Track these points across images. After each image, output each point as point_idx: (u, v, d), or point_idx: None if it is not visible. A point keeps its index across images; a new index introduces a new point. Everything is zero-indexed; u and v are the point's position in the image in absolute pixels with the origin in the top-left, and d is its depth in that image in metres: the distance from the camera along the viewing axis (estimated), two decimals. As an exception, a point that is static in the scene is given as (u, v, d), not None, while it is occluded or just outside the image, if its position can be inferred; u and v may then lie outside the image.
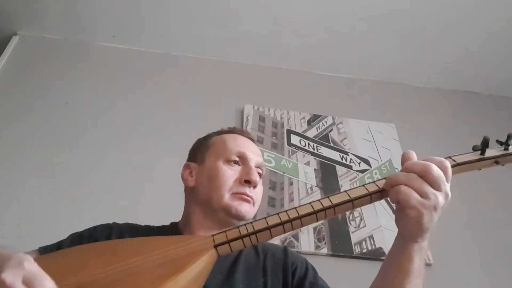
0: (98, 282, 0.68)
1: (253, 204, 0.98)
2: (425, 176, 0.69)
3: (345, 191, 0.72)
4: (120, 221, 1.04)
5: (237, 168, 0.99)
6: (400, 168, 0.74)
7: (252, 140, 1.09)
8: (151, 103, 2.26)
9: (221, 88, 2.38)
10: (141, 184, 1.91)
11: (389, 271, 0.76)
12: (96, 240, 0.94)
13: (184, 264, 0.69)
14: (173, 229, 1.03)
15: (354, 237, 1.85)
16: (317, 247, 1.79)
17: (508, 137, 0.75)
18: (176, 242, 0.74)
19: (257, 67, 2.53)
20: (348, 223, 1.90)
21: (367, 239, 1.84)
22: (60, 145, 2.02)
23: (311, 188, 2.01)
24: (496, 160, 0.75)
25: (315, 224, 1.85)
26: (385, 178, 0.73)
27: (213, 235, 0.74)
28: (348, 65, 2.55)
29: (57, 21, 2.43)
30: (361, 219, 1.91)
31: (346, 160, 2.16)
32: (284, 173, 2.04)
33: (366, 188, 0.72)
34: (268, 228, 0.72)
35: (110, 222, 1.02)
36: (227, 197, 0.95)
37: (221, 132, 1.10)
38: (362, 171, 2.12)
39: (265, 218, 0.73)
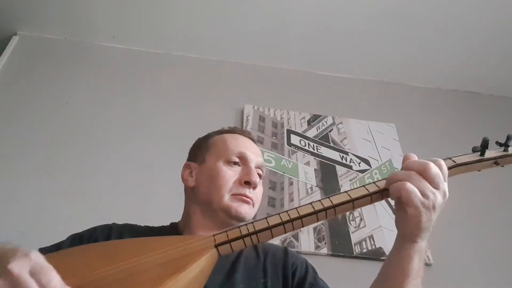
0: (99, 282, 0.68)
1: (253, 205, 0.98)
2: (424, 174, 0.70)
3: (346, 192, 0.73)
4: (120, 221, 1.04)
5: (237, 169, 0.99)
6: (400, 168, 0.74)
7: (253, 140, 1.09)
8: (151, 103, 2.26)
9: (221, 88, 2.38)
10: (141, 184, 1.91)
11: (389, 271, 0.76)
12: (96, 241, 0.94)
13: (184, 264, 0.69)
14: (173, 230, 1.03)
15: (354, 237, 1.85)
16: (317, 247, 1.79)
17: (508, 138, 0.75)
18: (177, 242, 0.74)
19: (257, 67, 2.53)
20: (348, 223, 1.90)
21: (367, 239, 1.84)
22: (60, 145, 2.02)
23: (311, 188, 2.01)
24: (495, 161, 0.76)
25: (315, 224, 1.85)
26: (385, 179, 0.74)
27: (214, 235, 0.74)
28: (348, 65, 2.55)
29: (57, 21, 2.43)
30: (361, 219, 1.91)
31: (346, 160, 2.16)
32: (284, 173, 2.04)
33: (367, 189, 0.73)
34: (269, 228, 0.72)
35: (110, 222, 1.02)
36: (227, 198, 0.95)
37: (221, 132, 1.10)
38: (362, 171, 2.12)
39: (266, 218, 0.73)
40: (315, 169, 2.10)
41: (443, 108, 2.51)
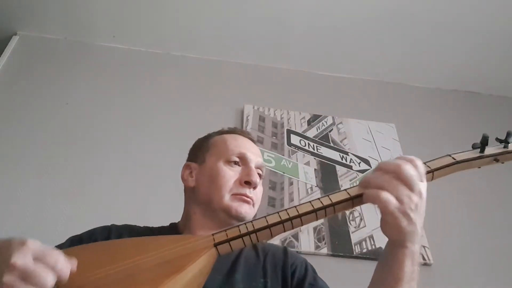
0: (98, 282, 0.68)
1: (253, 205, 0.98)
2: (399, 176, 0.68)
3: (345, 190, 0.73)
4: (120, 221, 1.04)
5: (237, 169, 0.99)
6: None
7: (253, 140, 1.09)
8: (151, 103, 2.26)
9: (221, 88, 2.38)
10: (141, 184, 1.91)
11: (381, 277, 0.75)
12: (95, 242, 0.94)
13: (184, 263, 0.69)
14: (172, 230, 1.03)
15: (354, 237, 1.85)
16: (317, 247, 1.79)
17: (508, 135, 0.75)
18: (176, 242, 0.74)
19: (257, 67, 2.53)
20: (348, 223, 1.90)
21: (367, 239, 1.84)
22: (60, 145, 2.02)
23: (311, 188, 2.01)
24: (495, 158, 0.76)
25: (315, 224, 1.84)
26: None
27: (213, 234, 0.74)
28: (348, 65, 2.55)
29: (57, 21, 2.43)
30: (361, 219, 1.91)
31: (346, 160, 2.16)
32: (284, 173, 2.04)
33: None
34: (268, 226, 0.72)
35: (110, 222, 1.02)
36: (227, 198, 0.95)
37: (221, 132, 1.10)
38: (362, 171, 2.12)
39: (265, 216, 0.73)
40: (315, 169, 2.09)
41: (443, 108, 2.51)
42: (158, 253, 0.71)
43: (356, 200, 0.72)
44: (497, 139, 0.76)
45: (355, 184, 0.75)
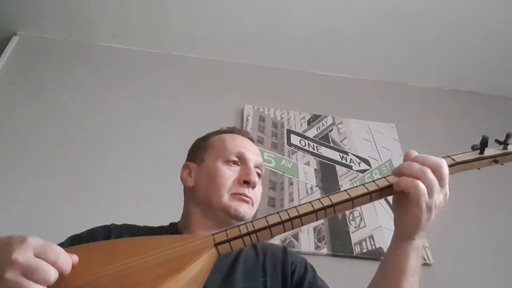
0: (98, 281, 0.67)
1: (252, 204, 0.98)
2: (436, 172, 0.70)
3: (345, 190, 0.73)
4: (120, 221, 1.03)
5: (236, 169, 0.99)
6: None
7: (252, 140, 1.09)
8: (151, 103, 2.26)
9: (221, 88, 2.38)
10: (141, 184, 1.91)
11: (386, 269, 0.77)
12: (95, 241, 0.94)
13: (184, 263, 0.69)
14: (172, 230, 1.03)
15: (354, 237, 1.85)
16: (317, 247, 1.79)
17: (507, 137, 0.75)
18: (176, 241, 0.74)
19: (257, 67, 2.53)
20: (348, 223, 1.90)
21: (367, 239, 1.84)
22: (60, 145, 2.02)
23: (311, 188, 2.01)
24: (495, 159, 0.76)
25: (315, 224, 1.85)
26: (385, 178, 0.74)
27: (213, 234, 0.74)
28: (348, 65, 2.55)
29: (57, 21, 2.43)
30: (361, 219, 1.91)
31: (346, 160, 2.16)
32: (284, 173, 2.04)
33: (366, 187, 0.73)
34: (269, 227, 0.72)
35: (110, 222, 1.02)
36: (226, 198, 0.95)
37: (220, 132, 1.10)
38: (362, 171, 2.12)
39: (265, 217, 0.73)
40: (315, 169, 2.09)
41: (443, 108, 2.51)
42: (158, 252, 0.71)
43: (356, 200, 0.72)
44: (496, 141, 0.77)
45: (355, 185, 0.75)
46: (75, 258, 0.65)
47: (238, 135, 1.07)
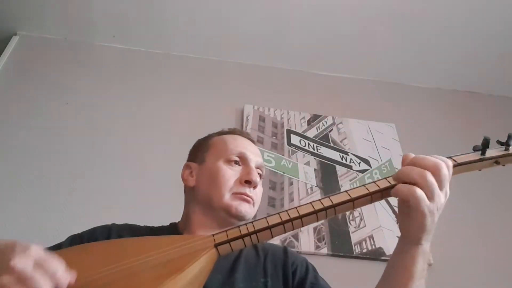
0: (98, 281, 0.67)
1: (253, 204, 0.98)
2: (436, 174, 0.69)
3: (346, 191, 0.73)
4: (120, 221, 1.04)
5: (238, 168, 1.00)
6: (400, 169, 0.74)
7: (252, 141, 1.09)
8: (151, 103, 2.26)
9: (221, 88, 2.38)
10: (141, 185, 1.91)
11: (393, 273, 0.76)
12: (96, 241, 0.94)
13: (184, 263, 0.69)
14: (172, 230, 1.03)
15: (354, 237, 1.85)
16: (317, 247, 1.79)
17: (509, 138, 0.75)
18: (176, 242, 0.74)
19: (257, 67, 2.53)
20: (348, 223, 1.90)
21: (367, 239, 1.84)
22: (60, 145, 2.02)
23: (311, 188, 2.01)
24: (496, 160, 0.75)
25: (315, 224, 1.85)
26: (385, 179, 0.73)
27: (213, 235, 0.74)
28: (348, 65, 2.55)
29: (57, 21, 2.43)
30: (361, 219, 1.91)
31: (346, 160, 2.16)
32: (284, 173, 2.04)
33: (367, 188, 0.72)
34: (269, 227, 0.72)
35: (110, 222, 1.02)
36: (227, 197, 0.95)
37: (221, 133, 1.10)
38: (362, 171, 2.12)
39: (265, 217, 0.73)
40: (315, 169, 2.09)
41: (443, 108, 2.51)
42: (158, 253, 0.71)
43: (357, 201, 0.72)
44: (498, 142, 0.76)
45: (355, 185, 0.75)
46: (73, 276, 0.64)
47: (239, 136, 1.08)
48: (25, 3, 2.32)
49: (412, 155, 0.73)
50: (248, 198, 0.96)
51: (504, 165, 0.77)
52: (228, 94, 2.35)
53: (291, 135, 2.23)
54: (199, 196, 1.00)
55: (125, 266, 0.70)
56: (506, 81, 2.58)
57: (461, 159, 0.75)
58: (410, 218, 0.70)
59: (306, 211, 0.72)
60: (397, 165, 2.12)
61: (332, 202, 0.72)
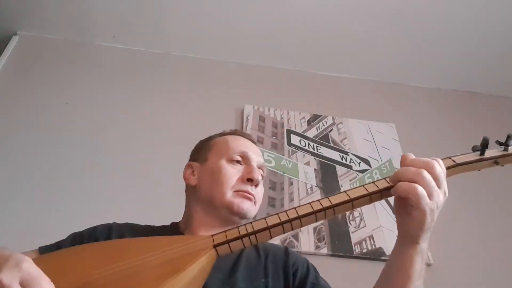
0: (98, 281, 0.68)
1: (255, 203, 0.99)
2: (430, 172, 0.69)
3: (345, 191, 0.73)
4: (121, 220, 1.04)
5: (239, 168, 1.00)
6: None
7: (253, 142, 1.10)
8: (151, 103, 2.26)
9: (221, 88, 2.38)
10: (142, 184, 1.91)
11: (391, 273, 0.76)
12: (96, 240, 0.94)
13: (183, 264, 0.69)
14: (173, 229, 1.03)
15: (354, 237, 1.85)
16: (317, 247, 1.79)
17: (508, 138, 0.75)
18: (176, 242, 0.74)
19: (257, 67, 2.53)
20: (348, 223, 1.90)
21: (367, 239, 1.84)
22: (60, 145, 2.02)
23: (311, 188, 2.01)
24: (495, 161, 0.75)
25: (315, 224, 1.85)
26: (384, 179, 0.73)
27: (212, 235, 0.74)
28: (348, 65, 2.55)
29: (57, 21, 2.43)
30: (361, 219, 1.91)
31: (346, 160, 2.16)
32: (284, 173, 2.04)
33: (366, 188, 0.72)
34: (268, 228, 0.72)
35: (110, 222, 1.02)
36: (229, 195, 0.96)
37: (223, 134, 1.11)
38: (362, 171, 2.12)
39: (264, 218, 0.73)
40: (315, 169, 2.09)
41: (443, 108, 2.51)
42: (158, 253, 0.72)
43: (356, 201, 0.72)
44: (497, 142, 0.76)
45: (355, 185, 0.75)
46: None
47: (241, 137, 1.09)
48: (25, 3, 2.32)
49: (412, 155, 0.73)
50: (250, 196, 0.97)
51: (503, 165, 0.76)
52: (228, 94, 2.35)
53: (291, 135, 2.24)
54: (201, 195, 1.00)
55: (125, 266, 0.70)
56: (506, 81, 2.58)
57: (460, 159, 0.75)
58: (409, 217, 0.70)
59: (305, 211, 0.72)
60: (397, 165, 2.11)
61: (331, 202, 0.72)
